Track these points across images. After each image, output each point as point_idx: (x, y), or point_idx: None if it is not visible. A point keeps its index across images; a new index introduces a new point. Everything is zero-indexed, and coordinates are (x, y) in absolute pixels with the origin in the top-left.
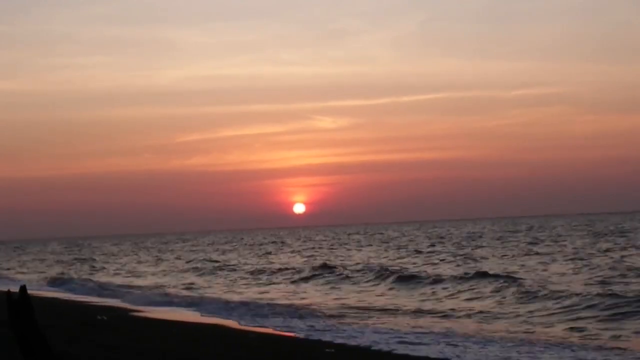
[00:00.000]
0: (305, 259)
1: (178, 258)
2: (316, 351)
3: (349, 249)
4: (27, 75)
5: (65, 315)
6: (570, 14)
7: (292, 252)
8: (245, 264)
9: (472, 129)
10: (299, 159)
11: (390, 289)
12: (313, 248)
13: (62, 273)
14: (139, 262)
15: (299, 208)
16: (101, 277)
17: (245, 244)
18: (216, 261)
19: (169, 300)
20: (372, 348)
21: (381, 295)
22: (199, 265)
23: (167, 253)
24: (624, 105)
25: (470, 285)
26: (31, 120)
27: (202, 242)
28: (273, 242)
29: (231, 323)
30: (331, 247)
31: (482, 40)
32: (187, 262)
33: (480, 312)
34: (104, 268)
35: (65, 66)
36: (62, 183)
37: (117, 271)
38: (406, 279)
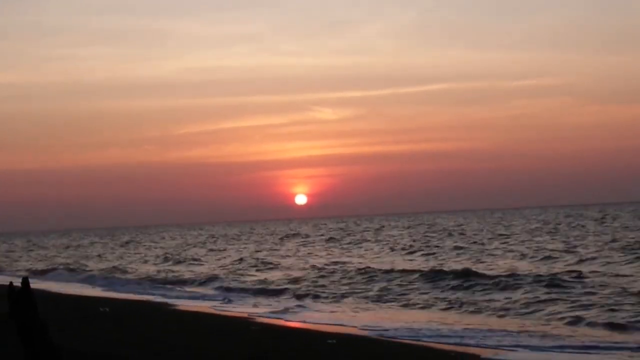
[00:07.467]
0: None
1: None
2: (318, 342)
3: None
4: (24, 67)
5: (69, 308)
6: (571, 4)
7: None
8: None
9: (474, 120)
10: (299, 150)
11: None
12: None
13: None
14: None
15: (301, 199)
16: None
17: None
18: None
19: None
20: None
21: None
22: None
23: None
24: (626, 96)
25: None
26: (28, 112)
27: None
28: None
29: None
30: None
31: (484, 30)
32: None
33: None
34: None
35: (63, 57)
36: (61, 175)
37: None
38: None
